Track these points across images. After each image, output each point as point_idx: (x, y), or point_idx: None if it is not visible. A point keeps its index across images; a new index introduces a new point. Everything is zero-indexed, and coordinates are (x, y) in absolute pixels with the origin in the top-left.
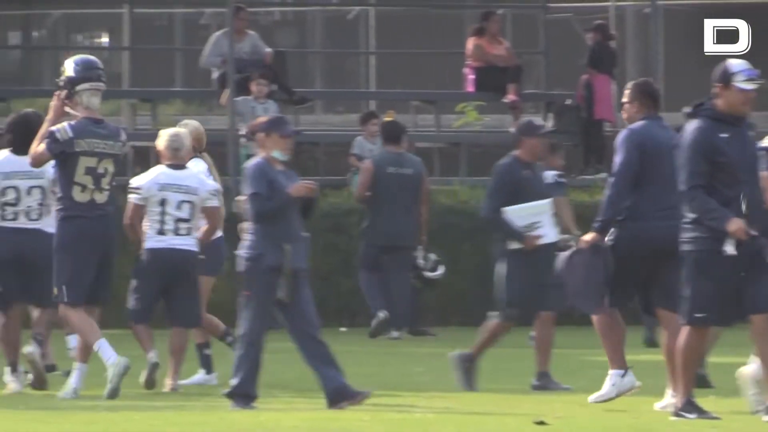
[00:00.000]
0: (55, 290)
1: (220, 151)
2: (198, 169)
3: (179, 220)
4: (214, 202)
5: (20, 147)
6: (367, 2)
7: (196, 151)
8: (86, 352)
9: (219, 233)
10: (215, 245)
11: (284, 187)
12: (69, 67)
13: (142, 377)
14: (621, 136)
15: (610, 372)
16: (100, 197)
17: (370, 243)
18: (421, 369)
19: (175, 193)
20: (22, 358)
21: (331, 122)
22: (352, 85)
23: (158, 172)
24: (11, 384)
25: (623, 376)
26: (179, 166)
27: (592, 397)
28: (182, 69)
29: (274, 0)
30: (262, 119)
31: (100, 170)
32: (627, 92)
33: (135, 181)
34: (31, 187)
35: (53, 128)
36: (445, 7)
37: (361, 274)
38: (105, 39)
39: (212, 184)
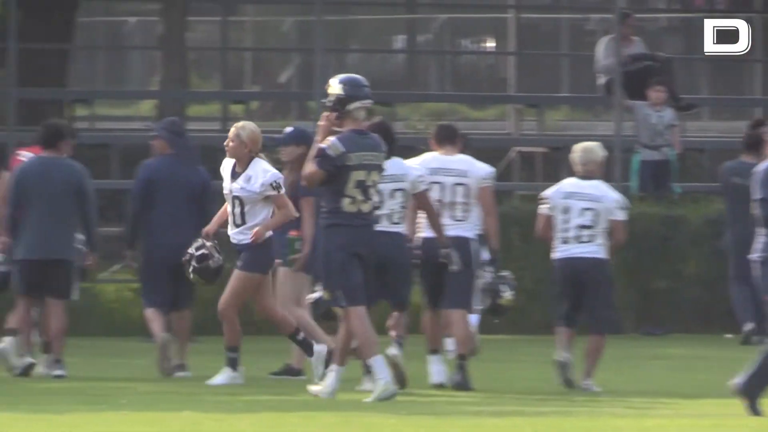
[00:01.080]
0: (327, 294)
1: (607, 158)
2: (261, 168)
3: (582, 227)
4: (620, 215)
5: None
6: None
7: (253, 154)
8: (344, 355)
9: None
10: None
11: None
12: (336, 87)
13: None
14: None
15: None
16: (366, 207)
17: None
18: None
19: (579, 201)
20: (386, 359)
21: (717, 129)
22: (739, 92)
23: (564, 182)
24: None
25: None
26: (586, 177)
27: None
28: (568, 74)
29: (660, 6)
30: None
31: (368, 182)
32: None
33: (545, 192)
34: (394, 190)
35: (323, 145)
36: None
37: (732, 284)
38: (491, 44)
39: (616, 195)
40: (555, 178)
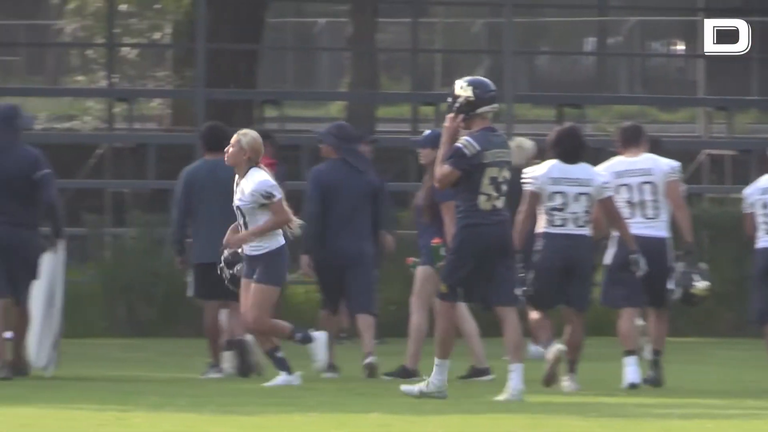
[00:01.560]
0: (444, 288)
1: None
2: (254, 178)
3: None
4: None
5: (569, 156)
6: None
7: (252, 162)
8: (520, 352)
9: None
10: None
11: None
12: (465, 90)
13: None
14: None
15: None
16: (499, 203)
17: None
18: None
19: None
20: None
21: None
22: None
23: (762, 179)
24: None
25: None
26: None
27: None
28: (758, 77)
29: None
30: None
31: (500, 179)
32: None
33: (744, 191)
34: (579, 194)
35: (458, 144)
36: None
37: None
38: (680, 46)
39: None
40: (745, 181)
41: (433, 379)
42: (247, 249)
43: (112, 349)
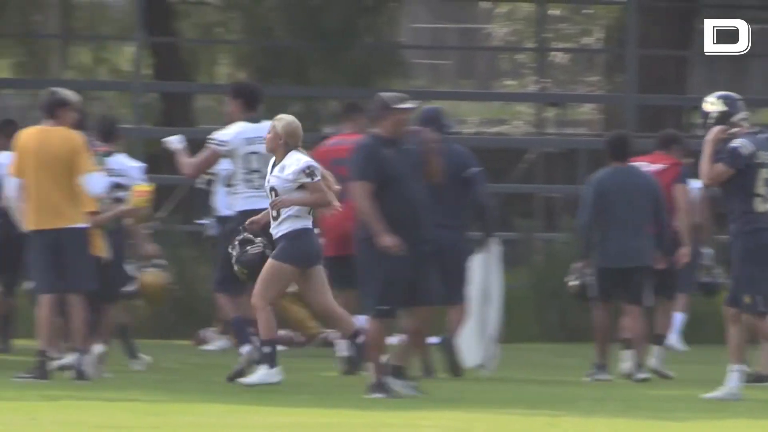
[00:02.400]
0: (748, 299)
1: None
2: (295, 158)
3: None
4: None
5: None
6: None
7: (290, 147)
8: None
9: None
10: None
11: None
12: (716, 104)
13: None
14: None
15: None
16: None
17: None
18: None
19: None
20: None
21: None
22: None
23: None
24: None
25: None
26: None
27: None
28: None
29: None
30: None
31: None
32: None
33: None
34: None
35: (733, 144)
36: None
37: None
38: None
39: None
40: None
41: None
42: (274, 231)
43: (545, 353)
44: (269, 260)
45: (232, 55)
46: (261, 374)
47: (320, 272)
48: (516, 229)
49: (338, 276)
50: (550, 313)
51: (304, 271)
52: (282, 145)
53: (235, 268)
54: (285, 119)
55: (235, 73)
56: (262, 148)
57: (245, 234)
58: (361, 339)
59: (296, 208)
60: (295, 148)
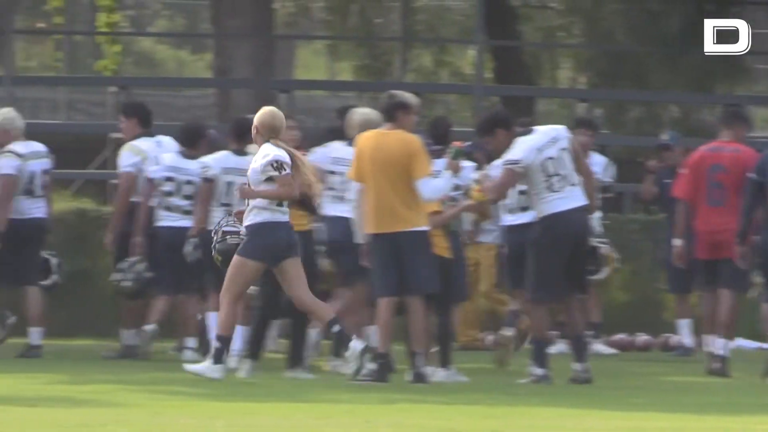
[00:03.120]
0: None
1: None
2: (265, 151)
3: None
4: None
5: None
6: None
7: (265, 138)
8: None
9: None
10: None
11: None
12: None
13: None
14: None
15: None
16: None
17: None
18: None
19: None
20: None
21: None
22: None
23: None
24: None
25: None
26: None
27: None
28: None
29: None
30: None
31: None
32: None
33: None
34: None
35: None
36: None
37: None
38: None
39: None
40: None
41: None
42: (244, 221)
43: None
44: (234, 255)
45: (574, 59)
46: (203, 366)
47: (295, 265)
48: None
49: (709, 279)
50: None
51: (274, 265)
52: (257, 137)
53: (212, 254)
54: (262, 110)
55: (576, 77)
56: (554, 152)
57: (231, 223)
58: (336, 328)
59: (263, 200)
60: (270, 140)
